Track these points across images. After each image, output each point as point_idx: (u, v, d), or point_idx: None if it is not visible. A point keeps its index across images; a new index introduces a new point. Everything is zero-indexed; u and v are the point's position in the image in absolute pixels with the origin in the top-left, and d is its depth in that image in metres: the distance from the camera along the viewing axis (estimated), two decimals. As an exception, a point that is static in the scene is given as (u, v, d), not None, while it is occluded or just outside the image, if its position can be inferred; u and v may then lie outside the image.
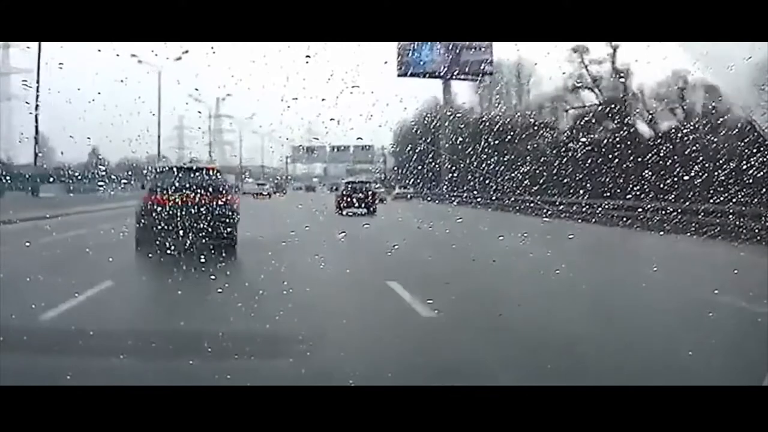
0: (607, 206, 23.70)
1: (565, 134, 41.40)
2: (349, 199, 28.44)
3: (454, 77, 50.21)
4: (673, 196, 19.88)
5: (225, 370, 4.93)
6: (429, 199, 46.46)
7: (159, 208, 11.47)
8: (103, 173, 20.51)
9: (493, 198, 33.64)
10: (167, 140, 63.06)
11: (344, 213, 27.63)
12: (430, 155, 49.45)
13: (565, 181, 29.91)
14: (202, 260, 8.74)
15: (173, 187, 11.85)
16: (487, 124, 50.22)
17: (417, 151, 53.82)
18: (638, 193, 22.33)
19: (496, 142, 45.87)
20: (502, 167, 39.50)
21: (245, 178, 38.85)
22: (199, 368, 5.06)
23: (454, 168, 46.06)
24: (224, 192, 12.41)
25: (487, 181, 37.24)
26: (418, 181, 52.08)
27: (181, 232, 11.06)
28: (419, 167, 51.88)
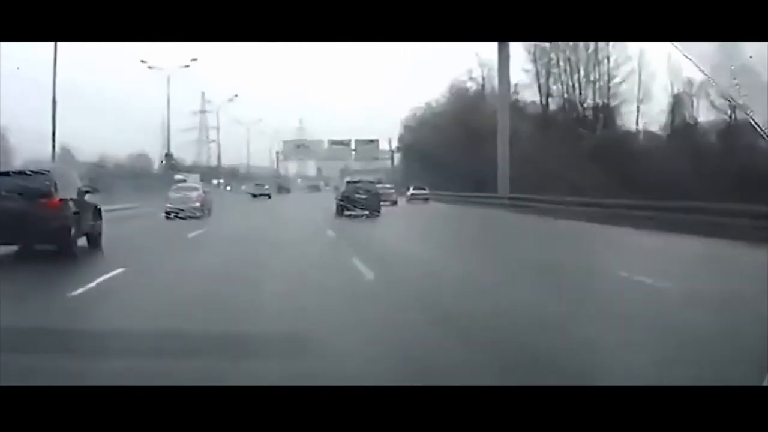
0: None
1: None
2: (350, 200, 26.29)
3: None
4: None
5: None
6: (451, 201, 39.39)
7: None
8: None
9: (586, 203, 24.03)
10: (152, 138, 57.69)
11: (344, 214, 25.73)
12: (459, 148, 40.02)
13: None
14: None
15: None
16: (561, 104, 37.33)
17: (438, 144, 44.11)
18: None
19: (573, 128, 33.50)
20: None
21: (220, 182, 32.68)
22: (198, 368, 5.07)
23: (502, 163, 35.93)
24: (47, 196, 12.36)
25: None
26: (440, 180, 42.77)
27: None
28: (441, 163, 42.07)
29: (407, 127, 61.01)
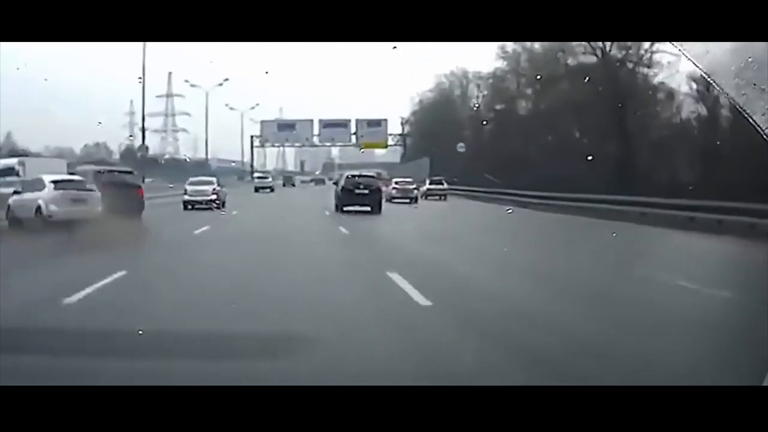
0: None
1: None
2: (350, 196, 25.65)
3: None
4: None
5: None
6: (482, 198, 32.44)
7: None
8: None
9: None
10: (116, 127, 51.42)
11: (344, 211, 25.13)
12: (531, 130, 32.50)
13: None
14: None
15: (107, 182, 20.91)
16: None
17: (488, 125, 36.05)
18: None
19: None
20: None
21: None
22: (199, 367, 5.07)
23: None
24: (139, 187, 23.19)
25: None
26: (469, 174, 35.90)
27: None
28: (482, 151, 35.10)
29: (422, 105, 46.76)
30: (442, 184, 37.84)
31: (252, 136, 48.64)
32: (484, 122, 35.65)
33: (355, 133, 46.76)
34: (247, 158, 50.25)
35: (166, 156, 51.96)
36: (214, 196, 27.91)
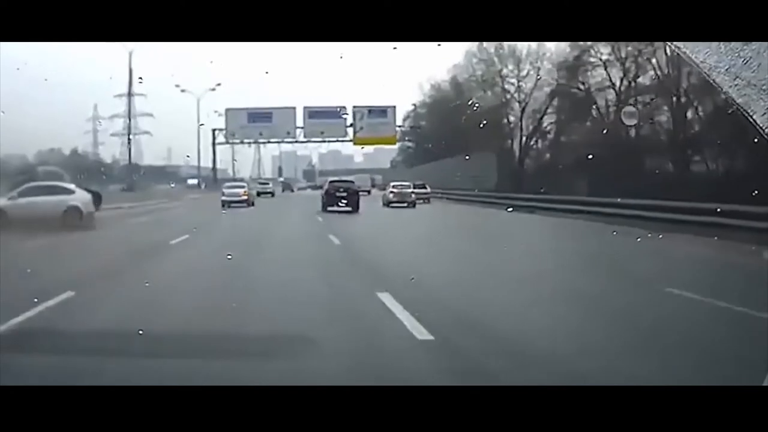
0: None
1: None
2: (332, 198, 31.59)
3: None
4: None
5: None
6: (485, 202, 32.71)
7: None
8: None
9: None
10: (72, 130, 46.10)
11: (328, 210, 30.71)
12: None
13: None
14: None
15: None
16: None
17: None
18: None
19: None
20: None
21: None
22: (200, 367, 5.07)
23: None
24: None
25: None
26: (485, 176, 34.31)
27: None
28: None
29: (437, 90, 40.49)
30: (425, 188, 41.07)
31: (214, 130, 38.86)
32: (482, 124, 35.19)
33: (351, 125, 37.11)
34: (209, 161, 41.55)
35: (124, 162, 46.96)
36: (245, 197, 36.02)
